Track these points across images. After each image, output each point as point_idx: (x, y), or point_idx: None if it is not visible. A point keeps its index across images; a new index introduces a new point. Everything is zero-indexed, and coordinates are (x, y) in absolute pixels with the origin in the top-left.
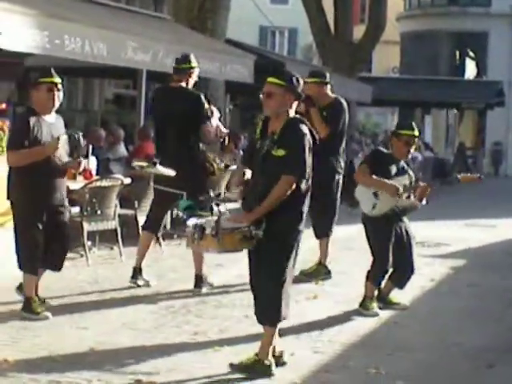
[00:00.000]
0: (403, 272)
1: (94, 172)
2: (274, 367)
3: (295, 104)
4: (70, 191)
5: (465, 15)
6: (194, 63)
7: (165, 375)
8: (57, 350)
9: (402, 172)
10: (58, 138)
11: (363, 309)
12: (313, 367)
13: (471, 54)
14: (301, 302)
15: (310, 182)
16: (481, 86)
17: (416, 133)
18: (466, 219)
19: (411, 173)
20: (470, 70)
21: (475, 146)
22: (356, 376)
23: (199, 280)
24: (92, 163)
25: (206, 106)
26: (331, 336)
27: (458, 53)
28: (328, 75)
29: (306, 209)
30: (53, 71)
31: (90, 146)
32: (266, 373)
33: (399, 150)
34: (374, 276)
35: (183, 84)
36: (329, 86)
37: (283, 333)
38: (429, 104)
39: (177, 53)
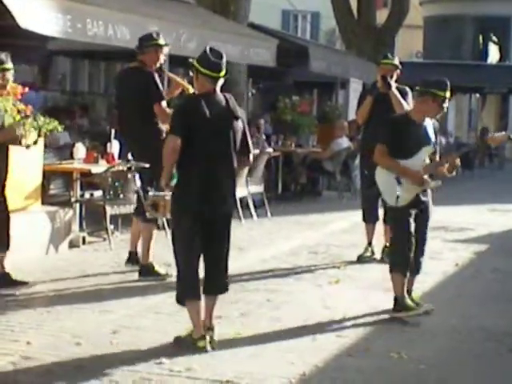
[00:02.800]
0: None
1: (116, 156)
2: (203, 343)
3: (204, 81)
4: (92, 175)
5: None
6: (159, 41)
7: (187, 358)
8: (79, 333)
9: (426, 140)
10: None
11: (399, 312)
12: (335, 351)
13: (494, 38)
14: (323, 287)
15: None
16: (504, 70)
17: (449, 93)
18: (489, 204)
19: (433, 139)
20: (493, 54)
21: (498, 131)
22: (378, 360)
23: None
24: (115, 147)
25: (158, 83)
26: (354, 320)
27: (481, 37)
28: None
29: (196, 185)
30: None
31: (113, 130)
32: (196, 346)
33: (430, 111)
34: (395, 263)
35: (143, 64)
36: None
37: (307, 317)
38: (452, 88)
39: (200, 36)
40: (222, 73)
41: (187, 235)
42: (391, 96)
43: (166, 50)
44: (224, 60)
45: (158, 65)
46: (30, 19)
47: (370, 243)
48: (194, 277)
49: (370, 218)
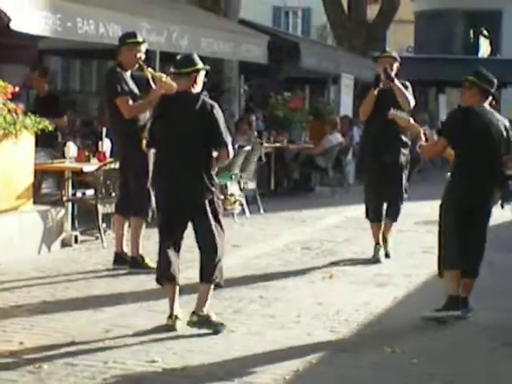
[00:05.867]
0: None
1: (108, 154)
2: (168, 321)
3: (177, 81)
4: (84, 173)
5: None
6: (130, 40)
7: (180, 356)
8: (72, 332)
9: None
10: None
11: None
12: (329, 346)
13: (485, 32)
14: (316, 282)
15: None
16: (495, 64)
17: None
18: None
19: None
20: (484, 48)
21: None
22: (372, 355)
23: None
24: (106, 145)
25: (117, 78)
26: (347, 315)
27: (471, 31)
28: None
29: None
30: None
31: (104, 129)
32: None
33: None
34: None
35: (120, 65)
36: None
37: (300, 313)
38: (443, 83)
39: (191, 34)
40: (188, 68)
41: (162, 224)
42: (394, 89)
43: (142, 47)
44: (193, 57)
45: (135, 64)
46: (20, 20)
47: (378, 243)
48: (165, 262)
49: (375, 217)
